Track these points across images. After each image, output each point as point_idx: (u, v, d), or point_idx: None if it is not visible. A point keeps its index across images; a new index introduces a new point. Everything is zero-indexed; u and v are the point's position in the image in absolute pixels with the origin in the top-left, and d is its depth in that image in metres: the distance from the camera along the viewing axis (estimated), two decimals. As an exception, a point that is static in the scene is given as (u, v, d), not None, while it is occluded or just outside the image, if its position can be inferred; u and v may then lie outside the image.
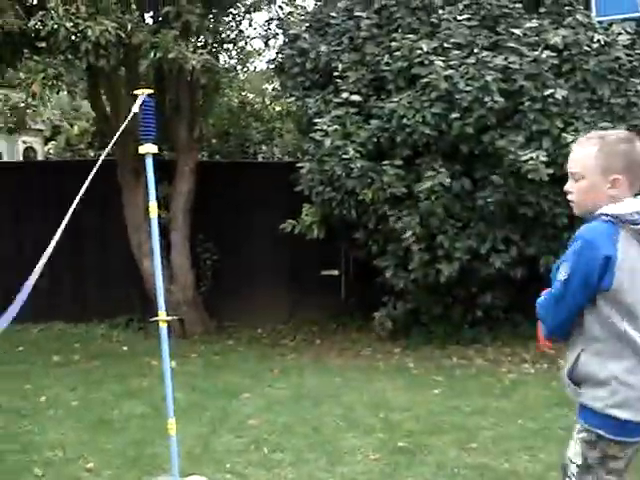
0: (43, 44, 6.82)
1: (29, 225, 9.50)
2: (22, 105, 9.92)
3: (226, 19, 7.96)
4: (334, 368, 7.01)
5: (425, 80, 6.57)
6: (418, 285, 7.19)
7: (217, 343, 8.24)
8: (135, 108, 3.58)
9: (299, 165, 7.21)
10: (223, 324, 8.88)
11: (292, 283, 9.16)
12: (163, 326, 3.74)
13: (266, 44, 8.42)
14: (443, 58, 6.61)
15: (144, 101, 3.61)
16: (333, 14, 7.53)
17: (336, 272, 9.12)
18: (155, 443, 4.75)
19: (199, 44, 7.49)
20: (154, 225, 3.74)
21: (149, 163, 3.72)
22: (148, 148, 3.67)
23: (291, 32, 7.40)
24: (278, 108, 10.64)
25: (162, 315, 3.73)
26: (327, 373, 6.77)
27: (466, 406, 5.55)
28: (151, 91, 3.67)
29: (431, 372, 6.66)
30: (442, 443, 4.77)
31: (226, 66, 8.78)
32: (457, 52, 6.67)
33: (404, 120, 6.63)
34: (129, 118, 3.60)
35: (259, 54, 9.15)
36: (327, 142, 6.73)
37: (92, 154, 12.15)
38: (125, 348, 8.08)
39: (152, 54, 6.57)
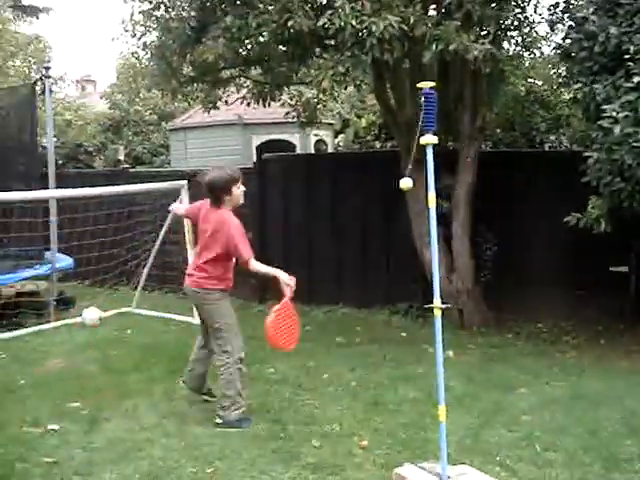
0: (331, 42, 7.18)
1: (316, 218, 10.12)
2: (314, 100, 10.51)
3: (509, 6, 7.77)
4: (618, 371, 6.61)
5: None
6: None
7: (495, 335, 8.14)
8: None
9: (586, 155, 6.86)
10: (502, 316, 8.73)
11: (577, 278, 8.73)
12: (438, 313, 3.81)
13: (552, 29, 8.08)
14: None
15: (426, 93, 3.73)
16: (624, -7, 7.03)
17: (626, 269, 8.56)
18: (427, 428, 4.84)
19: (482, 33, 7.40)
20: (432, 215, 3.85)
21: (429, 154, 3.84)
22: (429, 139, 3.80)
23: (578, 15, 7.03)
24: (566, 95, 10.18)
25: (437, 303, 3.82)
26: (610, 375, 6.40)
27: None
28: (433, 84, 3.78)
29: None
30: None
31: (510, 54, 8.57)
32: None
33: None
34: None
35: (545, 40, 8.79)
36: (617, 129, 6.31)
37: (378, 146, 12.54)
38: (404, 334, 8.30)
39: (434, 46, 6.64)
